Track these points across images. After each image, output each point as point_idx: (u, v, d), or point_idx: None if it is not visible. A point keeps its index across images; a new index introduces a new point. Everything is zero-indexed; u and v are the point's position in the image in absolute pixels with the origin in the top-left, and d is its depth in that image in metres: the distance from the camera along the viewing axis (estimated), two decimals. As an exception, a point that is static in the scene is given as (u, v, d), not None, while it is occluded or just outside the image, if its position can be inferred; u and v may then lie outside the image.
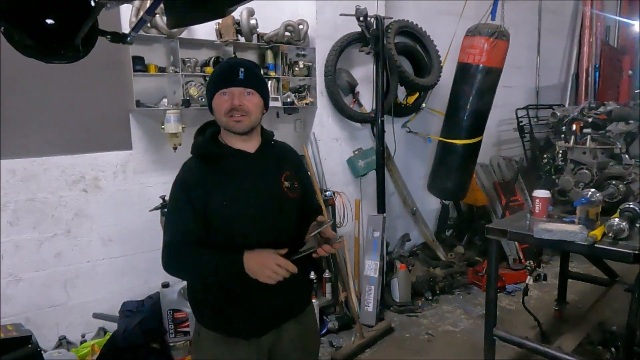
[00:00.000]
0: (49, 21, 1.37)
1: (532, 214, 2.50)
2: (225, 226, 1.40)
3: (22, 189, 2.57)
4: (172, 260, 1.39)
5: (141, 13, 2.56)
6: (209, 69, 2.88)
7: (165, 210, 1.49)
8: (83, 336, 2.76)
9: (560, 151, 2.68)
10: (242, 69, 1.40)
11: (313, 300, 3.05)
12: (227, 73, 1.42)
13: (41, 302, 2.67)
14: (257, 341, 1.46)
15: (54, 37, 1.39)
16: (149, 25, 2.64)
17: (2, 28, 1.34)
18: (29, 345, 2.02)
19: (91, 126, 2.74)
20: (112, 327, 2.75)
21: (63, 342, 2.67)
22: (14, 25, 1.32)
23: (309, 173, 1.77)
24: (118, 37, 1.46)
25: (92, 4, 1.31)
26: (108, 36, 1.47)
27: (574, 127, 2.74)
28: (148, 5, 2.45)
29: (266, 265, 1.30)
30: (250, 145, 1.47)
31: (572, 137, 2.62)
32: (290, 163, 1.57)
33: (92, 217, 2.79)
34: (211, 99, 1.43)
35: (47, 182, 2.64)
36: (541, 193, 2.46)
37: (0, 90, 2.38)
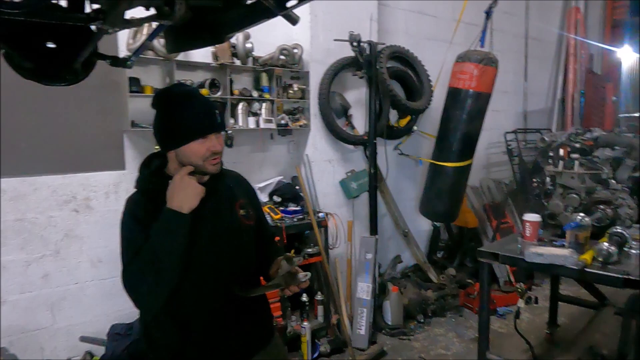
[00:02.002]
0: (50, 45, 1.39)
1: (522, 237, 2.53)
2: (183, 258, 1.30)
3: (11, 208, 2.53)
4: (135, 275, 1.25)
5: (138, 35, 2.59)
6: (205, 91, 2.91)
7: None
8: (68, 360, 2.69)
9: (549, 175, 2.73)
10: (217, 112, 1.37)
11: (305, 323, 3.06)
12: (204, 117, 1.34)
13: (26, 325, 2.60)
14: None
15: (54, 60, 1.41)
16: (145, 47, 2.67)
17: (3, 51, 1.35)
18: (13, 371, 1.95)
19: (84, 146, 2.73)
20: (99, 350, 2.69)
21: (47, 367, 2.59)
22: (14, 48, 1.34)
23: (259, 200, 1.70)
24: (118, 62, 1.48)
25: (94, 29, 1.33)
26: (108, 60, 1.49)
27: (562, 152, 2.81)
28: (145, 29, 2.49)
29: (184, 186, 1.28)
30: (201, 177, 1.37)
31: (561, 161, 2.67)
32: (243, 191, 1.53)
33: (82, 238, 2.75)
34: (181, 144, 1.32)
35: (37, 202, 2.61)
36: (532, 217, 2.50)
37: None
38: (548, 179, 2.88)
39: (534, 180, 2.91)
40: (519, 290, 2.70)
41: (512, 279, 4.26)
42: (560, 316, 3.49)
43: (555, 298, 3.40)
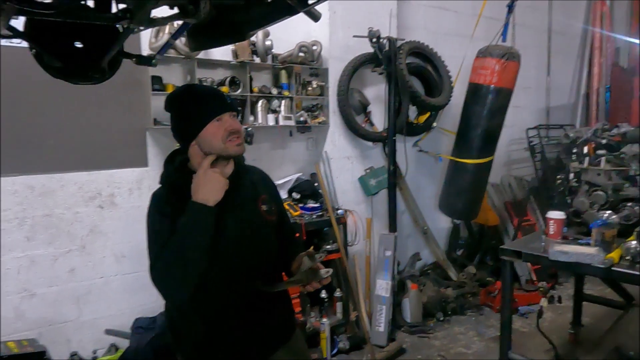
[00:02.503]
0: (78, 44, 1.43)
1: (546, 235, 2.48)
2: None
3: (40, 204, 2.61)
4: (163, 269, 1.27)
5: (160, 34, 2.63)
6: (225, 89, 2.93)
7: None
8: (94, 352, 2.75)
9: (574, 172, 2.67)
10: (224, 95, 1.41)
11: (324, 320, 3.07)
12: (215, 100, 1.38)
13: (54, 317, 2.68)
14: None
15: (82, 59, 1.44)
16: (167, 46, 2.70)
17: (33, 51, 1.39)
18: (43, 361, 2.02)
19: (109, 143, 2.79)
20: (123, 343, 2.75)
21: (75, 359, 2.66)
22: (44, 48, 1.38)
23: (281, 197, 1.71)
24: (144, 60, 1.51)
25: (120, 29, 1.36)
26: (134, 59, 1.52)
27: (587, 148, 2.74)
28: (167, 28, 2.53)
29: (208, 179, 1.29)
30: (225, 171, 1.39)
31: (586, 158, 2.61)
32: (265, 187, 1.54)
33: (106, 234, 2.81)
34: (199, 130, 1.35)
35: (64, 198, 2.68)
36: (556, 214, 2.45)
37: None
38: (572, 176, 2.81)
39: (558, 177, 2.85)
40: (542, 289, 2.66)
41: (534, 277, 4.19)
42: (585, 316, 3.41)
43: (580, 297, 3.33)
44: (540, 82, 5.55)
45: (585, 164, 2.63)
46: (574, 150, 2.89)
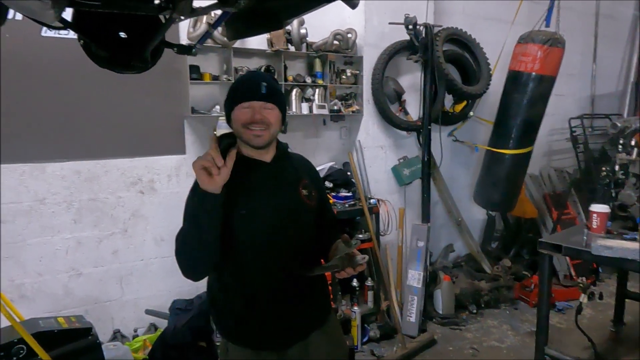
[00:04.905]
0: (122, 35, 1.48)
1: (588, 229, 2.39)
2: (245, 235, 1.37)
3: (86, 189, 2.75)
4: (178, 250, 1.33)
5: (198, 24, 2.68)
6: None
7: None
8: (135, 331, 2.90)
9: (621, 164, 2.55)
10: (265, 84, 1.40)
11: (355, 308, 3.09)
12: (249, 87, 1.40)
13: (99, 296, 2.83)
14: (285, 354, 1.45)
15: (126, 49, 1.50)
16: (204, 35, 2.75)
17: (82, 42, 1.46)
18: (90, 337, 2.14)
19: (149, 131, 2.89)
20: (162, 323, 2.87)
21: (117, 336, 2.81)
22: (91, 38, 1.44)
23: (323, 184, 1.70)
24: (184, 49, 1.54)
25: (162, 19, 1.40)
26: (175, 48, 1.56)
27: (636, 139, 2.60)
28: (205, 18, 2.57)
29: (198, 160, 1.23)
30: (266, 156, 1.45)
31: (635, 149, 2.48)
32: (307, 172, 1.57)
33: (146, 218, 2.93)
34: (230, 111, 1.41)
35: (108, 183, 2.81)
36: (599, 207, 2.35)
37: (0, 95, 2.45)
38: (618, 168, 2.68)
39: (603, 169, 2.73)
40: (581, 284, 2.57)
41: (573, 272, 4.05)
42: (627, 314, 3.28)
43: (622, 294, 3.20)
44: (586, 68, 5.29)
45: (634, 156, 2.50)
46: (621, 141, 2.75)
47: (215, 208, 1.26)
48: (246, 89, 1.41)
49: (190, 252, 1.32)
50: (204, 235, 1.28)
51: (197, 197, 1.26)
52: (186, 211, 1.35)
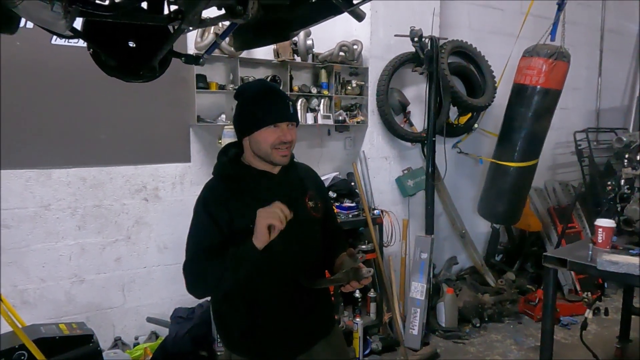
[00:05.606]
0: (131, 44, 1.50)
1: (594, 243, 2.37)
2: None
3: (91, 195, 2.76)
4: (197, 274, 1.34)
5: (206, 34, 2.71)
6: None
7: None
8: (136, 338, 2.88)
9: (626, 179, 2.54)
10: (290, 102, 1.42)
11: (357, 319, 3.06)
12: (277, 108, 1.40)
13: (101, 303, 2.83)
14: None
15: (134, 58, 1.52)
16: (212, 45, 2.78)
17: (91, 50, 1.48)
18: (91, 344, 2.14)
19: (155, 139, 2.91)
20: (163, 331, 2.86)
21: (118, 343, 2.80)
22: (101, 47, 1.46)
23: (328, 194, 1.71)
24: (192, 59, 1.56)
25: (171, 29, 1.42)
26: (182, 58, 1.58)
27: (642, 153, 2.59)
28: (212, 28, 2.60)
29: (269, 210, 1.26)
30: (274, 167, 1.46)
31: (640, 164, 2.47)
32: (312, 183, 1.58)
33: (150, 225, 2.94)
34: (255, 130, 1.39)
35: (113, 190, 2.82)
36: (605, 222, 2.34)
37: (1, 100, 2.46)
38: (624, 183, 2.67)
39: (608, 183, 2.71)
40: (586, 300, 2.55)
41: (578, 287, 4.01)
42: (633, 331, 3.23)
43: (628, 311, 3.16)
44: (591, 82, 5.29)
45: (639, 171, 2.49)
46: (627, 156, 2.74)
47: (258, 258, 1.29)
48: (274, 110, 1.40)
49: (217, 287, 1.35)
50: (240, 277, 1.31)
51: (244, 248, 1.28)
52: (200, 231, 1.37)
